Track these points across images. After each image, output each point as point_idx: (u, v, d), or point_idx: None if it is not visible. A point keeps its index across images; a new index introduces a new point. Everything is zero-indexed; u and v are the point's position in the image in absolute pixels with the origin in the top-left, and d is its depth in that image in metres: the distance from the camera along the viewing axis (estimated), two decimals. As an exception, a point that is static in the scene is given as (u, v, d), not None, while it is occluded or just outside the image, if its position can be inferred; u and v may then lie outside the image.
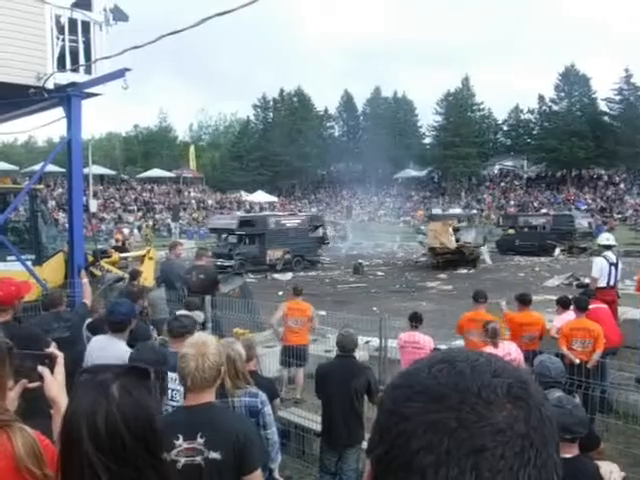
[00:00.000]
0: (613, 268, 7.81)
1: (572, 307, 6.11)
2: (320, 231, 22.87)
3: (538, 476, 0.49)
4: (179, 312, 4.25)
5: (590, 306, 6.31)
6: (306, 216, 23.99)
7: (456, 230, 21.34)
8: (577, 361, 5.36)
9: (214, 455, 2.07)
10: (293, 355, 6.39)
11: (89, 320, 4.81)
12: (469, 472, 0.47)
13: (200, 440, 2.08)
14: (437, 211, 30.51)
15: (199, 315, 4.67)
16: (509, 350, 5.04)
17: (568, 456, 2.28)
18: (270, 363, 6.56)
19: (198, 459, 2.07)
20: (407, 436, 0.50)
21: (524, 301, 6.20)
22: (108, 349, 3.59)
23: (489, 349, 4.99)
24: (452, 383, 0.52)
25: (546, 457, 0.50)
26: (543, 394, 0.55)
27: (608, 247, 8.24)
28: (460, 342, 6.44)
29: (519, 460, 0.48)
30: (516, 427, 0.49)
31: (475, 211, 35.71)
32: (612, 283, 7.79)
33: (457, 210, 32.50)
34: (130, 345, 3.67)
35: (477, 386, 0.51)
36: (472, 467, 0.47)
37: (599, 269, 7.80)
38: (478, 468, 0.47)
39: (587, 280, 10.13)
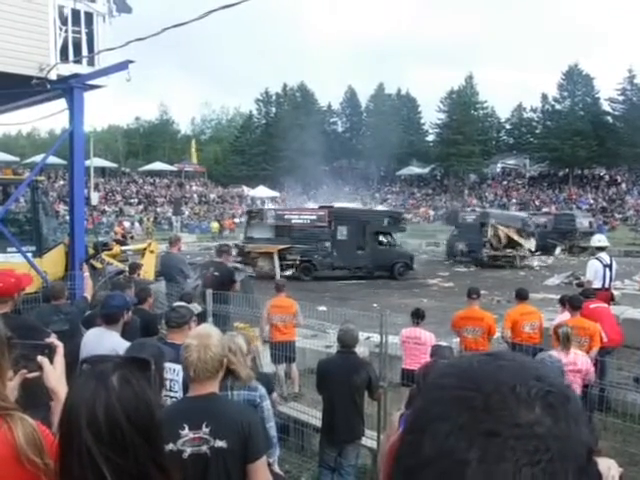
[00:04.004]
0: (607, 270, 7.76)
1: (567, 306, 6.11)
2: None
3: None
4: (176, 304, 4.25)
5: (591, 305, 6.32)
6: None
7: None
8: None
9: (220, 444, 2.08)
10: (282, 352, 6.38)
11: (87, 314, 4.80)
12: (475, 449, 0.48)
13: (205, 429, 2.08)
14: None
15: (195, 307, 4.67)
16: (575, 360, 4.68)
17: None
18: (269, 358, 6.57)
19: (204, 448, 2.07)
20: (432, 403, 0.52)
21: (521, 296, 6.40)
22: (102, 341, 3.59)
23: (556, 353, 4.76)
24: (492, 373, 0.52)
25: (559, 468, 0.48)
26: (582, 414, 0.53)
27: (601, 249, 8.17)
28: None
29: (528, 458, 0.47)
30: (536, 428, 0.49)
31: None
32: (607, 285, 7.75)
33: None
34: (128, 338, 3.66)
35: (515, 382, 0.51)
36: (479, 447, 0.48)
37: (593, 271, 7.77)
38: (485, 450, 0.47)
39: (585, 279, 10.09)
